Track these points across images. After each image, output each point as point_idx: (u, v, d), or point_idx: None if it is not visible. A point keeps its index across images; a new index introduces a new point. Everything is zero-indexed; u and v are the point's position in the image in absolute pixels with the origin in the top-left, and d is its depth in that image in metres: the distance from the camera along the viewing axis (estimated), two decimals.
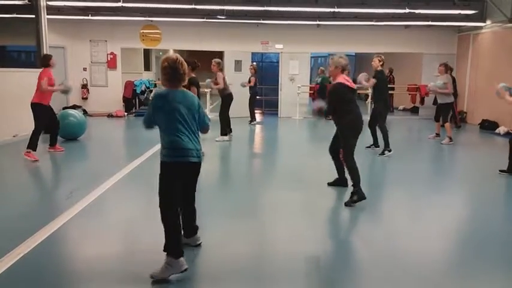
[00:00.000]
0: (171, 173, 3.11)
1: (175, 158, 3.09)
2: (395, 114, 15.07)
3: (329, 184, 5.51)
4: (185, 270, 3.05)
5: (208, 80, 8.73)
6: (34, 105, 6.69)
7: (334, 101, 4.87)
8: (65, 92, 7.24)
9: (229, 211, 4.60)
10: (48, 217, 4.18)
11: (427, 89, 9.20)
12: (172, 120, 3.06)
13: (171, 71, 3.09)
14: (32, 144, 6.67)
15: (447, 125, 8.91)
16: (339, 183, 5.43)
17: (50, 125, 7.13)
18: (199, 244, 3.57)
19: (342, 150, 4.98)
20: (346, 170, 5.04)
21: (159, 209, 3.10)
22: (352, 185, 4.85)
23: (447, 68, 8.98)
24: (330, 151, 5.31)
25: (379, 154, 7.48)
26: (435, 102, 10.12)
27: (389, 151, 7.46)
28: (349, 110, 4.87)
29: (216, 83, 8.60)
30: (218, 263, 3.32)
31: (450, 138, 8.85)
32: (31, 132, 6.71)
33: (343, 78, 4.85)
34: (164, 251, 3.07)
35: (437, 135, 9.45)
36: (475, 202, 5.29)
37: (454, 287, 3.12)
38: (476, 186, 5.97)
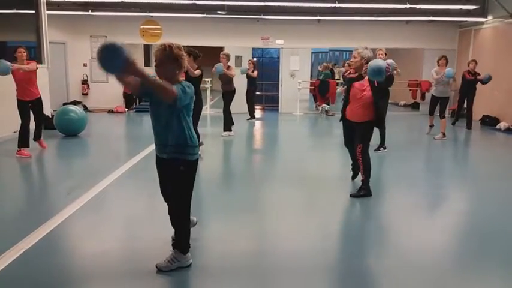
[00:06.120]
0: (195, 170, 3.04)
1: (198, 154, 3.02)
2: (396, 110, 15.04)
3: (353, 178, 5.43)
4: (190, 264, 3.09)
5: (220, 65, 8.38)
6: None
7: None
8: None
9: (231, 207, 4.59)
10: (49, 213, 4.18)
11: (438, 79, 8.88)
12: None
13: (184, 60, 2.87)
14: (21, 142, 6.64)
15: (444, 120, 8.84)
16: (357, 171, 5.28)
17: (36, 120, 7.08)
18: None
19: (359, 146, 4.81)
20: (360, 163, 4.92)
21: (168, 211, 3.09)
22: (362, 180, 4.84)
23: (447, 61, 8.90)
24: (346, 145, 5.25)
25: (374, 150, 7.40)
26: None
27: (385, 149, 7.42)
28: (380, 105, 4.79)
29: (230, 70, 8.66)
30: (219, 258, 3.31)
31: (444, 134, 8.80)
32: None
33: None
34: (175, 247, 3.09)
35: (432, 125, 9.35)
36: (476, 199, 5.28)
37: (456, 285, 3.12)
38: (478, 183, 5.96)
